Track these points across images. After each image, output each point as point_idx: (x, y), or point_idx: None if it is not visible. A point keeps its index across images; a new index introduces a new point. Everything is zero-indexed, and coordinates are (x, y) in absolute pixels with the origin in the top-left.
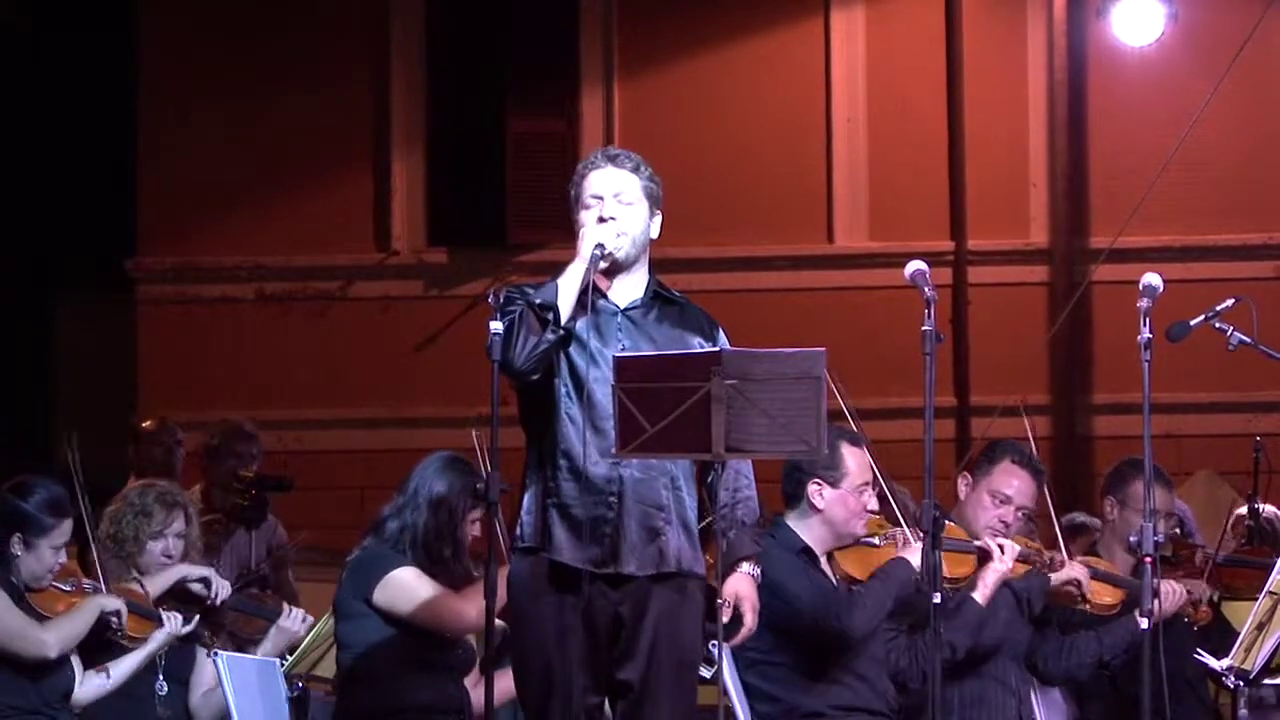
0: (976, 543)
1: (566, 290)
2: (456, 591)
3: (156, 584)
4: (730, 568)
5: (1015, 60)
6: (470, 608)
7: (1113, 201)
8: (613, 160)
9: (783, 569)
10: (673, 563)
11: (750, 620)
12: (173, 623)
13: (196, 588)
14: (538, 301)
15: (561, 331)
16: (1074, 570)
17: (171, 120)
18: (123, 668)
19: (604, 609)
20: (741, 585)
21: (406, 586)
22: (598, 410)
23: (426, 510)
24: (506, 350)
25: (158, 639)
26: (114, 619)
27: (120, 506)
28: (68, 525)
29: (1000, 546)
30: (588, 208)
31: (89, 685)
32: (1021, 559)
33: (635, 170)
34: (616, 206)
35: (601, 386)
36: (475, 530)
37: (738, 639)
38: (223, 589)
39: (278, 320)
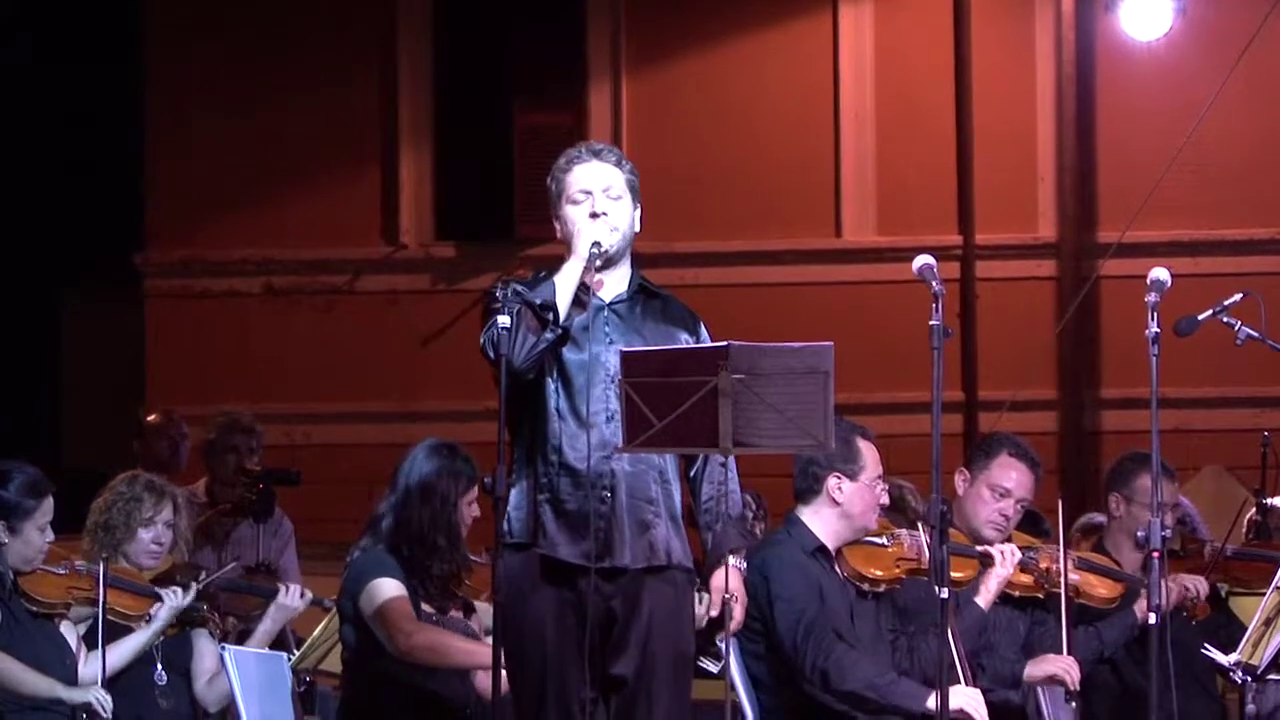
0: (979, 548)
1: (564, 289)
2: (441, 615)
3: None
4: (717, 561)
5: (1023, 55)
6: (418, 634)
7: (1121, 196)
8: (597, 155)
9: (785, 580)
10: (663, 555)
11: (739, 613)
12: (173, 596)
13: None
14: (538, 301)
15: (560, 330)
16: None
17: (179, 114)
18: (127, 646)
19: (596, 603)
20: (730, 579)
21: (374, 594)
22: (588, 405)
23: (417, 501)
24: (504, 349)
25: (162, 615)
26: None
27: (109, 496)
28: (49, 504)
29: (1002, 552)
30: (576, 203)
31: (92, 667)
32: (1021, 566)
33: (619, 164)
34: (606, 201)
35: (591, 381)
36: (474, 511)
37: (728, 631)
38: (172, 597)
39: (285, 314)
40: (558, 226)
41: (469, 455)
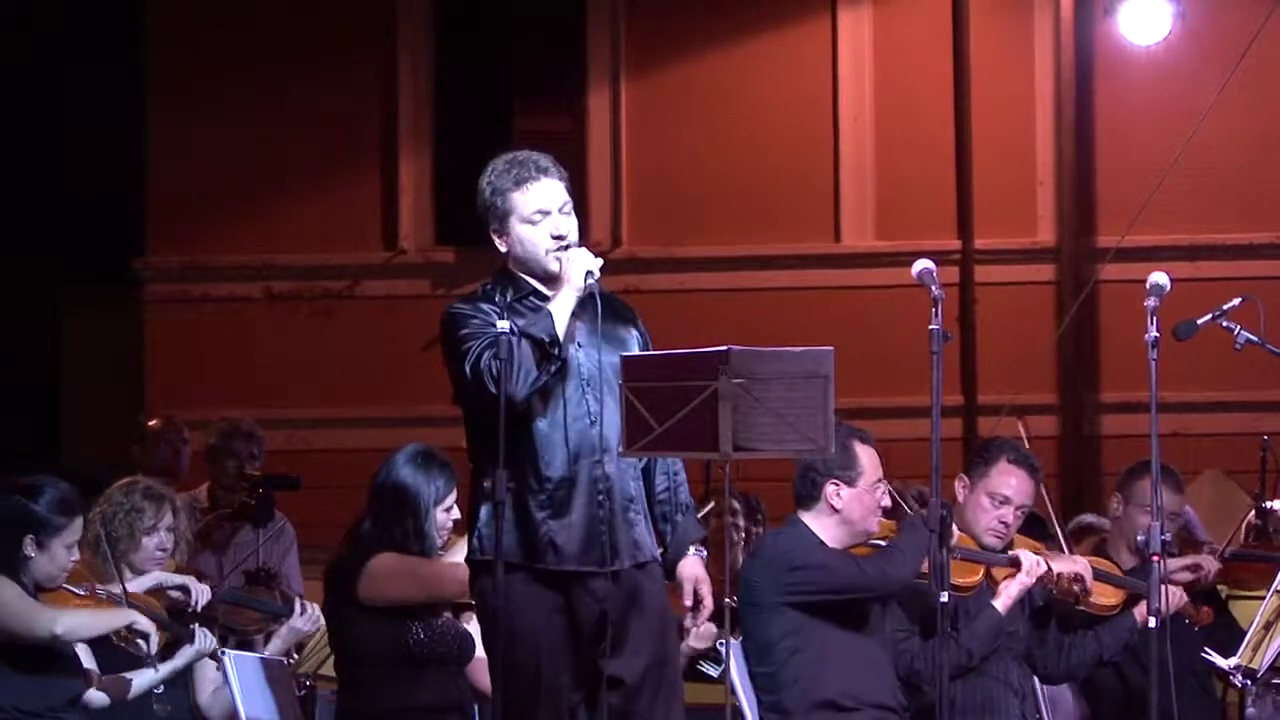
0: (1009, 553)
1: (561, 319)
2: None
3: (136, 586)
4: (680, 552)
5: (1022, 59)
6: (458, 568)
7: (1120, 200)
8: (545, 172)
9: (806, 549)
10: (646, 551)
11: (709, 601)
12: (204, 640)
13: (175, 595)
14: (545, 338)
15: (560, 362)
16: (1076, 564)
17: (179, 119)
18: (144, 680)
19: (589, 606)
20: (697, 569)
21: (388, 570)
22: (569, 412)
23: (394, 509)
24: (506, 384)
25: (187, 654)
26: (143, 641)
27: (107, 507)
28: (79, 523)
29: (1035, 562)
30: (533, 223)
31: (98, 697)
32: (1039, 579)
33: (561, 178)
34: (564, 220)
35: (569, 386)
36: (455, 515)
37: (701, 619)
38: (202, 594)
39: (285, 319)
40: (503, 243)
41: (447, 460)
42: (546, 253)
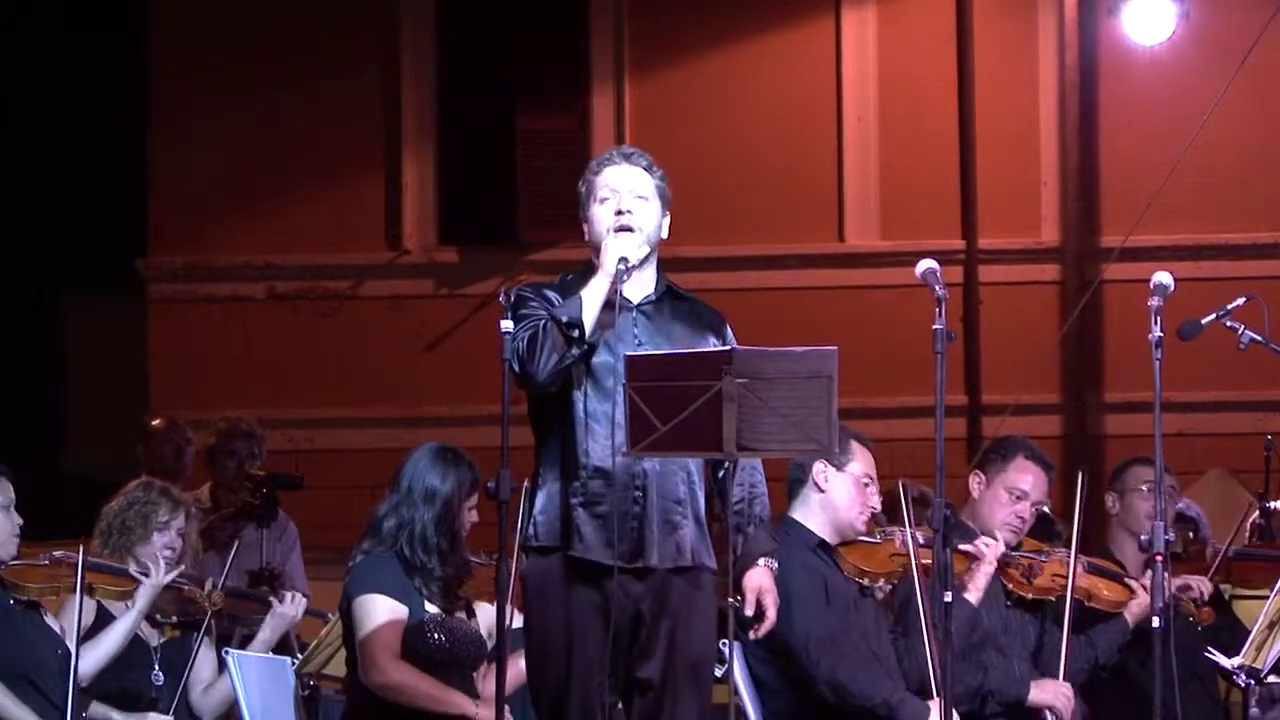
0: (962, 546)
1: (591, 306)
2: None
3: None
4: (748, 563)
5: (1026, 59)
6: (391, 673)
7: (1124, 200)
8: (628, 158)
9: (795, 586)
10: (689, 556)
11: (772, 613)
12: (156, 573)
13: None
14: (564, 319)
15: (585, 347)
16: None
17: (183, 119)
18: (116, 632)
19: (624, 605)
20: (763, 579)
21: (362, 615)
22: (619, 406)
23: (421, 505)
24: (528, 364)
25: (143, 594)
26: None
27: (123, 500)
28: (5, 485)
29: (987, 544)
30: (602, 201)
31: (88, 661)
32: (1005, 561)
33: (648, 169)
34: (632, 201)
35: (620, 383)
36: (474, 517)
37: (762, 631)
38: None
39: (289, 319)
40: (585, 229)
41: (471, 460)
42: (608, 230)
